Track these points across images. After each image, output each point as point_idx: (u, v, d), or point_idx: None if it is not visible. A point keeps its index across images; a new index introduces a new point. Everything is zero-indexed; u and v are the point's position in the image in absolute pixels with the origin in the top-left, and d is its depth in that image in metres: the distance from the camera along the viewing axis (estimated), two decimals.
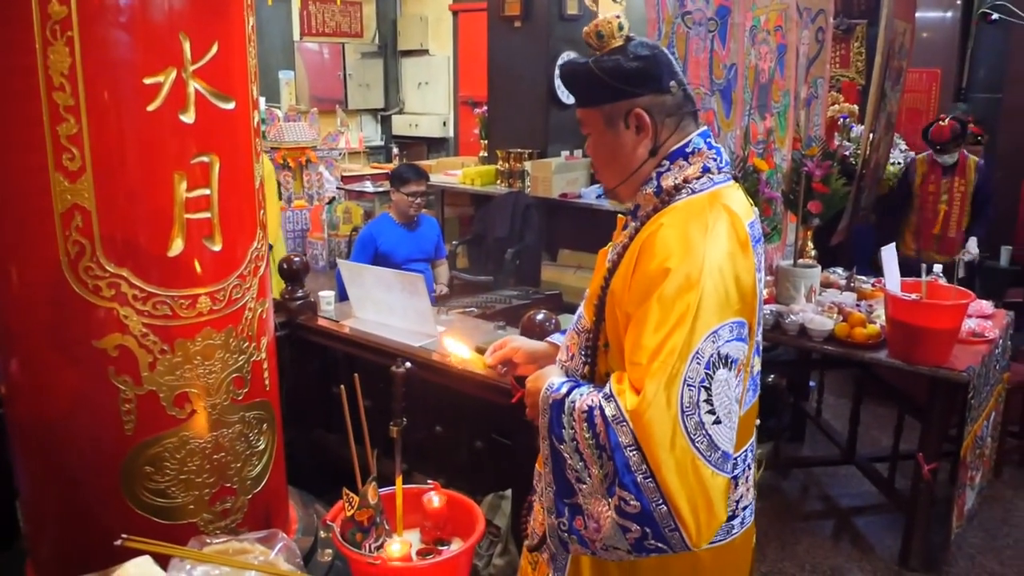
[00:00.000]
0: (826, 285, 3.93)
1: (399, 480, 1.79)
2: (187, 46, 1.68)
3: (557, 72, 1.56)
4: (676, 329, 1.33)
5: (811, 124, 4.54)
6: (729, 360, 1.36)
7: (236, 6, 1.81)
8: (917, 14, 6.22)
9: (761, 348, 1.59)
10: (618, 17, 1.49)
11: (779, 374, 4.44)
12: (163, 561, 1.42)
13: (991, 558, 3.50)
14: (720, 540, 1.55)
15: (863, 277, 4.05)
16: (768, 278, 3.86)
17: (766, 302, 3.67)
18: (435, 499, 1.82)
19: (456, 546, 1.78)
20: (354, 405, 1.72)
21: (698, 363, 1.33)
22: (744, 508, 1.60)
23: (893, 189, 5.59)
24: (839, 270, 4.18)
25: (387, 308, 3.30)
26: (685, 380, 1.32)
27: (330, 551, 2.27)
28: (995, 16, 7.43)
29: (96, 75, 1.59)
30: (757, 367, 1.56)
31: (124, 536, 1.33)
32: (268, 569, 1.40)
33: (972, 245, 5.15)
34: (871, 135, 4.94)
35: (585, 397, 1.42)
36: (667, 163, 1.51)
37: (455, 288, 5.98)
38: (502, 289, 5.50)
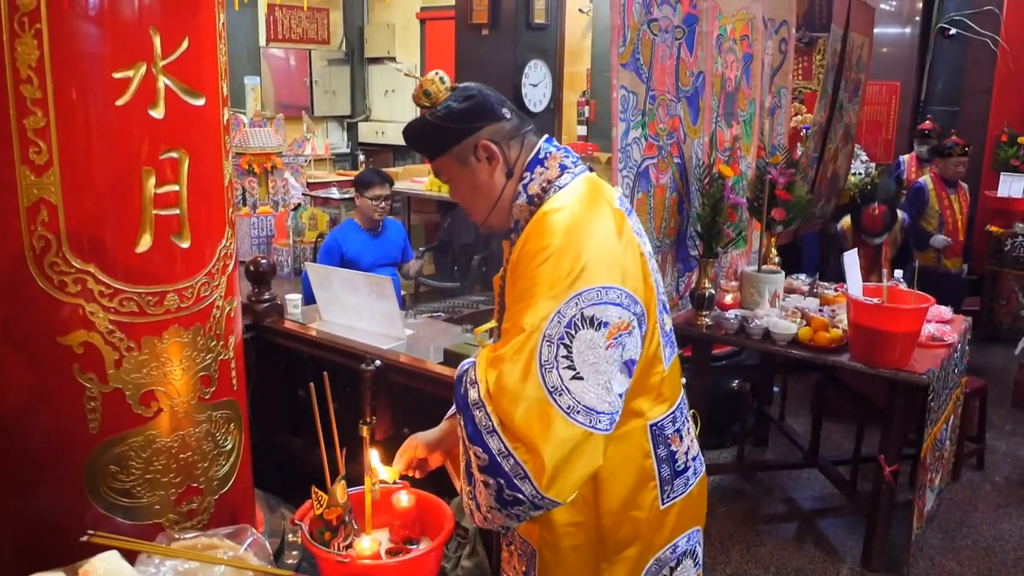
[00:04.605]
0: (790, 290, 3.99)
1: (368, 479, 1.78)
2: (157, 41, 1.67)
3: (403, 137, 1.72)
4: (546, 292, 1.43)
5: (775, 133, 4.61)
6: (595, 321, 1.43)
7: (207, 2, 1.80)
8: (877, 29, 6.36)
9: (667, 305, 1.71)
10: (437, 73, 1.65)
11: (743, 379, 4.49)
12: (131, 558, 1.41)
13: (950, 558, 3.56)
14: (681, 494, 1.67)
15: (826, 283, 4.12)
16: (733, 283, 3.90)
17: (731, 307, 3.71)
18: (404, 498, 1.81)
19: (425, 545, 1.78)
20: (323, 403, 1.72)
21: (558, 322, 1.41)
22: (694, 459, 1.72)
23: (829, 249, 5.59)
24: (802, 276, 4.25)
25: (354, 311, 3.29)
26: (545, 336, 1.41)
27: (297, 552, 2.26)
28: (953, 31, 7.61)
29: (64, 68, 1.57)
30: (668, 324, 1.68)
31: (91, 532, 1.31)
32: (238, 564, 1.39)
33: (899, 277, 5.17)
34: (824, 140, 5.04)
35: (473, 368, 1.51)
36: (528, 174, 1.64)
37: (422, 294, 5.98)
38: (468, 295, 5.51)
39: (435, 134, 1.64)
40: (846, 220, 5.38)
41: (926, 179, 5.69)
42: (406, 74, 1.81)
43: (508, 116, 1.65)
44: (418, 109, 1.71)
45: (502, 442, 1.39)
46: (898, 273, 3.70)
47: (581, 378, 1.40)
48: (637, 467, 1.61)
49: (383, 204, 4.39)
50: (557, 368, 1.40)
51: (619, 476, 1.59)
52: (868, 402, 3.98)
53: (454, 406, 1.77)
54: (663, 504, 1.65)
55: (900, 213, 5.30)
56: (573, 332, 1.41)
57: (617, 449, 1.55)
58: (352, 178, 8.90)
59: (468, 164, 1.64)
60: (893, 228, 5.21)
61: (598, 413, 1.41)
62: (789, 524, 3.90)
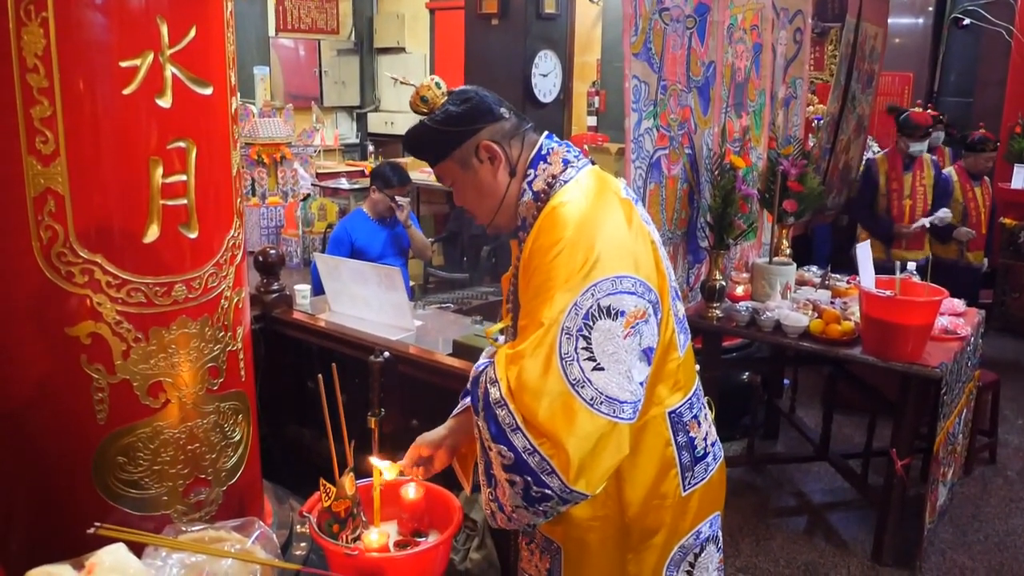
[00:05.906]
0: (801, 283, 3.96)
1: (376, 471, 1.78)
2: (164, 29, 1.65)
3: (404, 145, 1.74)
4: (562, 285, 1.44)
5: (790, 124, 4.57)
6: (612, 311, 1.43)
7: None
8: (890, 19, 6.30)
9: (679, 292, 1.71)
10: (433, 79, 1.66)
11: (754, 371, 4.47)
12: (137, 550, 1.40)
13: (962, 553, 3.54)
14: (701, 480, 1.68)
15: (838, 275, 4.09)
16: (744, 275, 3.88)
17: (742, 299, 3.69)
18: (412, 491, 1.81)
19: (434, 538, 1.77)
20: (332, 394, 1.71)
21: (576, 314, 1.41)
22: (712, 444, 1.72)
23: (860, 191, 5.59)
24: (814, 268, 4.22)
25: (363, 302, 3.28)
26: (563, 329, 1.41)
27: (305, 544, 2.25)
28: (966, 22, 7.55)
29: (71, 57, 1.56)
30: (681, 311, 1.69)
31: (97, 524, 1.30)
32: (245, 557, 1.38)
33: (942, 212, 5.16)
34: (836, 130, 5.01)
35: (491, 367, 1.51)
36: (531, 171, 1.63)
37: (432, 285, 5.97)
38: (478, 286, 5.50)
39: (436, 139, 1.65)
40: (880, 155, 5.39)
41: (950, 171, 5.63)
42: (401, 82, 1.81)
43: (507, 116, 1.65)
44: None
45: (527, 439, 1.39)
46: (911, 265, 3.66)
47: (602, 368, 1.41)
48: (659, 455, 1.61)
49: (398, 204, 4.39)
50: (578, 360, 1.40)
51: (641, 465, 1.60)
52: (880, 395, 3.96)
53: (460, 404, 1.78)
54: (685, 491, 1.65)
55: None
56: (591, 323, 1.41)
57: (638, 438, 1.56)
58: (362, 169, 8.92)
59: (471, 166, 1.64)
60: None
61: (621, 403, 1.41)
62: (799, 517, 3.88)
